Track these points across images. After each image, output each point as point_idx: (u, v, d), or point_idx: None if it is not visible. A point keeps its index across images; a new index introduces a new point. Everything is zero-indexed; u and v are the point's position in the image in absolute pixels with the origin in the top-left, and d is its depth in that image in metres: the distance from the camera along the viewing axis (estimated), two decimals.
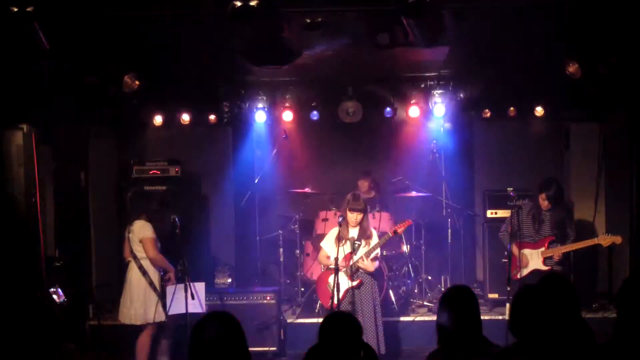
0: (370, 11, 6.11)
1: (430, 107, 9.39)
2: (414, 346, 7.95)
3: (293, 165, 10.18)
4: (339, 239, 6.92)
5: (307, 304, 8.87)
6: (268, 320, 7.90)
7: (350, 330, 3.62)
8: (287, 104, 9.58)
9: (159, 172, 8.77)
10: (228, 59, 7.58)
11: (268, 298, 8.01)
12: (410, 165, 9.99)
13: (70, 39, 6.37)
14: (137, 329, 7.06)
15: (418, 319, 8.48)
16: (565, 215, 7.48)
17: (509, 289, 7.10)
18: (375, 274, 7.27)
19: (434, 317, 4.21)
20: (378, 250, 7.16)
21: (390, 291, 8.90)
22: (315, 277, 8.35)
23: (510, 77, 9.11)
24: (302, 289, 9.19)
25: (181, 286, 6.72)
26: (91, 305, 8.47)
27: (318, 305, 8.11)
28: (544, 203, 7.34)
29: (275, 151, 9.71)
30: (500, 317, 7.66)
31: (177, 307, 6.76)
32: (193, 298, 6.69)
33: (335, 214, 8.54)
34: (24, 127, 6.41)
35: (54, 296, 5.43)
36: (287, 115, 9.60)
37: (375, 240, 7.12)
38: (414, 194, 9.46)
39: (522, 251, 7.36)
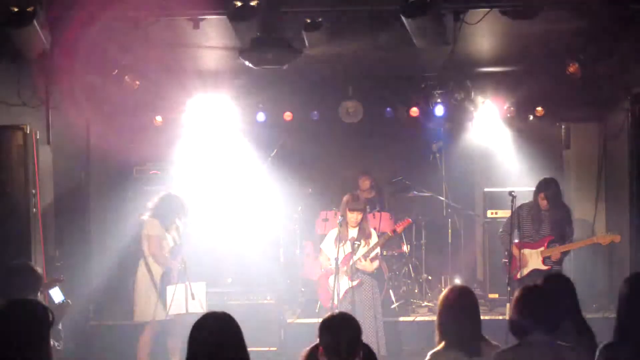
0: (370, 11, 6.11)
1: (430, 107, 9.39)
2: (414, 346, 7.94)
3: (293, 165, 10.17)
4: (339, 239, 6.92)
5: (307, 304, 8.86)
6: (268, 320, 7.90)
7: (349, 331, 3.62)
8: (287, 104, 9.57)
9: (158, 172, 8.79)
10: None
11: (268, 298, 8.01)
12: (410, 165, 10.00)
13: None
14: (138, 328, 7.07)
15: (418, 319, 8.49)
16: (565, 215, 7.48)
17: (509, 289, 7.11)
18: (376, 274, 7.27)
19: (434, 317, 4.21)
20: (378, 250, 7.16)
21: (391, 291, 8.90)
22: (315, 277, 8.35)
23: (511, 77, 9.12)
24: (302, 289, 9.19)
25: (182, 286, 6.73)
26: (91, 305, 8.48)
27: (318, 305, 8.12)
28: (542, 203, 7.34)
29: (275, 151, 9.71)
30: (500, 317, 7.67)
31: (177, 307, 6.76)
32: (193, 298, 6.70)
33: (335, 214, 8.54)
34: (24, 127, 6.40)
35: (54, 296, 5.42)
36: (287, 116, 9.60)
37: (374, 240, 7.12)
38: (414, 194, 9.47)
39: (522, 251, 7.37)
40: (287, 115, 9.58)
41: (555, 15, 6.44)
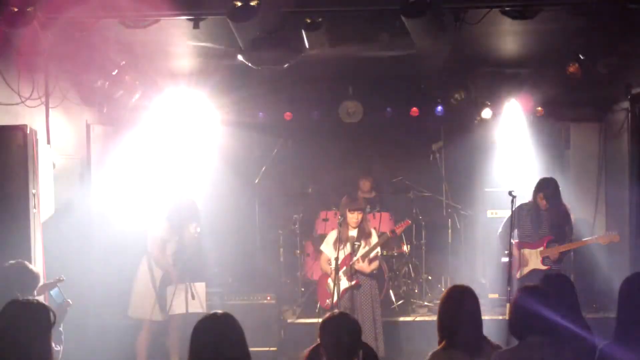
0: (370, 11, 6.11)
1: (430, 107, 9.39)
2: (414, 346, 7.94)
3: (293, 165, 10.17)
4: (339, 240, 6.92)
5: (307, 304, 8.87)
6: (268, 320, 7.90)
7: (350, 330, 3.63)
8: (287, 104, 9.58)
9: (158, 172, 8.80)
10: None
11: (268, 298, 8.01)
12: (410, 165, 10.00)
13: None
14: (136, 328, 7.08)
15: (418, 319, 8.49)
16: (564, 214, 7.48)
17: (509, 289, 7.10)
18: (375, 275, 7.27)
19: (434, 317, 4.21)
20: (378, 250, 7.16)
21: (391, 291, 8.91)
22: (315, 277, 8.36)
23: (511, 77, 9.13)
24: (302, 289, 9.19)
25: (182, 286, 6.73)
26: (91, 305, 8.47)
27: (318, 305, 8.12)
28: (542, 203, 7.35)
29: (275, 151, 9.71)
30: (500, 317, 7.66)
31: (177, 307, 6.77)
32: (193, 298, 6.71)
33: (335, 214, 8.55)
34: (24, 127, 6.39)
35: (55, 296, 5.42)
36: (287, 115, 9.60)
37: (375, 239, 7.13)
38: (414, 194, 9.47)
39: (521, 251, 7.37)
40: (287, 115, 9.60)
41: (555, 15, 6.44)
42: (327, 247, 7.21)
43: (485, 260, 9.28)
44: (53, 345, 3.82)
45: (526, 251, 7.38)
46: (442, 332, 4.01)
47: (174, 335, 7.15)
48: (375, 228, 9.08)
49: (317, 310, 8.40)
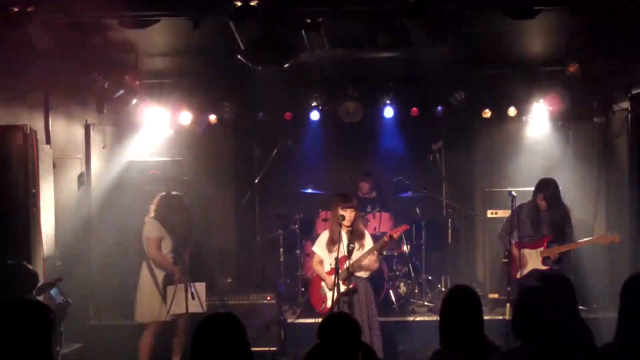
0: (370, 11, 6.11)
1: (430, 107, 9.39)
2: (414, 346, 7.94)
3: (293, 165, 10.17)
4: (332, 241, 6.86)
5: (307, 304, 8.86)
6: (268, 320, 7.89)
7: (349, 331, 3.63)
8: (286, 104, 9.57)
9: (158, 172, 8.78)
10: None
11: (268, 298, 8.00)
12: (410, 165, 10.00)
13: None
14: (139, 328, 7.08)
15: (418, 319, 8.48)
16: (564, 215, 7.47)
17: (509, 289, 7.10)
18: (375, 275, 7.21)
19: (434, 317, 4.22)
20: (374, 255, 7.04)
21: (390, 291, 8.91)
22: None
23: (511, 77, 9.13)
24: (302, 289, 9.19)
25: (182, 286, 6.73)
26: (91, 306, 8.49)
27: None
28: (541, 203, 7.35)
29: (275, 151, 9.71)
30: (500, 317, 7.66)
31: (177, 307, 6.77)
32: (193, 298, 6.70)
33: (326, 214, 8.50)
34: (24, 127, 6.39)
35: (55, 296, 5.42)
36: (287, 115, 9.60)
37: (368, 239, 7.02)
38: (414, 194, 9.47)
39: (521, 251, 7.37)
40: (287, 116, 9.60)
41: (556, 15, 6.45)
42: (319, 248, 7.11)
43: (485, 260, 9.28)
44: (53, 345, 3.83)
45: (526, 251, 7.38)
46: (442, 332, 4.01)
47: (180, 335, 7.16)
48: (375, 228, 9.13)
49: (317, 311, 8.40)
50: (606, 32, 7.02)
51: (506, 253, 7.53)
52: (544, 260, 7.34)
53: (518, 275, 7.29)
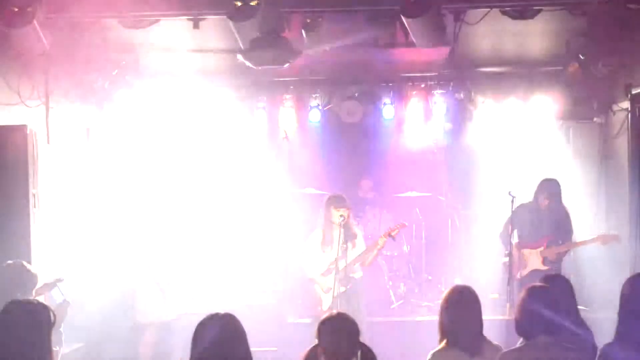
0: (370, 11, 6.11)
1: (430, 107, 9.39)
2: (414, 346, 7.93)
3: (293, 165, 10.16)
4: (325, 242, 6.83)
5: (303, 306, 8.84)
6: (268, 320, 7.89)
7: (348, 331, 3.62)
8: (287, 104, 9.57)
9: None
10: None
11: (268, 298, 8.00)
12: (410, 165, 9.99)
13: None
14: (140, 328, 7.08)
15: (418, 319, 8.47)
16: (564, 215, 7.48)
17: (509, 289, 7.10)
18: (364, 279, 7.14)
19: (434, 317, 4.21)
20: (374, 253, 7.03)
21: (391, 291, 8.90)
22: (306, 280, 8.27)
23: (511, 77, 9.13)
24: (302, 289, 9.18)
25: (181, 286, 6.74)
26: (91, 306, 8.47)
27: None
28: (543, 202, 7.34)
29: (275, 151, 9.70)
30: (500, 317, 7.65)
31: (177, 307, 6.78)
32: (193, 299, 6.71)
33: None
34: (24, 127, 6.39)
35: (55, 296, 5.43)
36: (287, 115, 9.60)
37: (360, 240, 6.99)
38: (414, 194, 9.46)
39: (521, 251, 7.37)
40: (287, 115, 9.59)
41: (555, 15, 6.45)
42: (312, 249, 7.07)
43: (485, 260, 9.27)
44: (54, 346, 3.83)
45: (526, 251, 7.37)
46: (442, 332, 4.01)
47: (176, 335, 7.16)
48: (375, 228, 9.12)
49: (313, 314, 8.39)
50: (606, 32, 7.03)
51: (506, 253, 7.52)
52: (544, 261, 7.33)
53: (518, 276, 7.29)
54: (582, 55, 7.65)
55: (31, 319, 3.50)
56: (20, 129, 6.34)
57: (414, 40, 5.97)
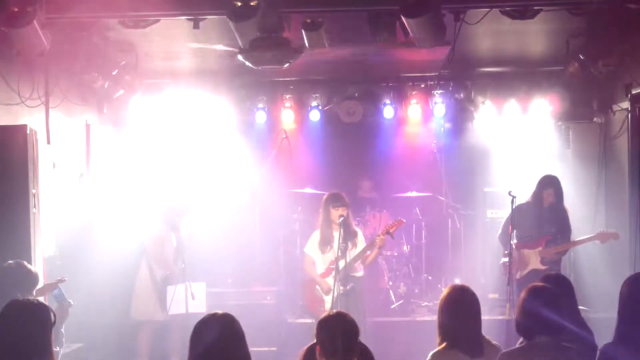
0: (370, 11, 6.11)
1: (430, 107, 9.39)
2: (414, 346, 7.93)
3: (293, 165, 10.16)
4: (325, 242, 6.82)
5: (302, 307, 8.84)
6: (268, 320, 7.89)
7: (347, 330, 3.62)
8: (287, 104, 9.58)
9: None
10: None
11: (268, 298, 8.00)
12: (410, 165, 9.99)
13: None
14: (137, 328, 7.09)
15: (418, 319, 8.48)
16: (563, 214, 7.48)
17: (509, 289, 7.10)
18: (372, 275, 7.15)
19: (434, 317, 4.21)
20: (375, 253, 7.01)
21: (391, 291, 8.90)
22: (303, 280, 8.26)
23: (511, 77, 9.13)
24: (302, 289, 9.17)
25: (182, 286, 6.73)
26: (91, 306, 8.47)
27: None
28: (548, 199, 7.35)
29: (275, 151, 9.70)
30: (500, 317, 7.65)
31: (177, 307, 6.77)
32: (193, 298, 6.71)
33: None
34: (24, 127, 6.39)
35: (56, 297, 5.42)
36: (287, 116, 9.61)
37: (361, 238, 6.98)
38: (414, 194, 9.46)
39: (521, 251, 7.37)
40: (287, 115, 9.60)
41: (555, 15, 6.45)
42: (312, 249, 7.05)
43: (485, 260, 9.27)
44: (54, 346, 3.83)
45: (525, 251, 7.38)
46: (442, 333, 4.01)
47: (175, 335, 7.16)
48: (375, 228, 9.12)
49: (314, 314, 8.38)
50: (606, 32, 7.03)
51: (506, 253, 7.52)
52: (543, 260, 7.34)
53: (518, 276, 7.29)
54: (582, 55, 7.65)
55: (31, 319, 3.50)
56: (20, 129, 6.33)
57: (414, 40, 5.97)
